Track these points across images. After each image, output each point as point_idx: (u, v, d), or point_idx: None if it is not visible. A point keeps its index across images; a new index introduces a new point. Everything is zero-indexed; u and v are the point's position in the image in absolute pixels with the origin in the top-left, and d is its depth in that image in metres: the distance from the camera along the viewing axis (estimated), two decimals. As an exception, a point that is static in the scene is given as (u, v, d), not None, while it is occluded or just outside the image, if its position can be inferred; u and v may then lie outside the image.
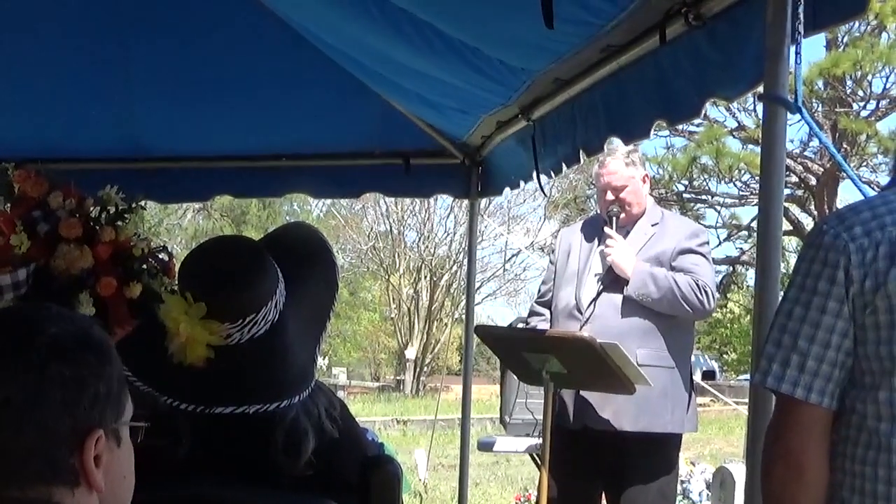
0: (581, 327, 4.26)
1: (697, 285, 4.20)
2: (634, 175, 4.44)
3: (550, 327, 4.48)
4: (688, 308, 4.21)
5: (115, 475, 1.40)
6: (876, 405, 1.77)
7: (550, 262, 4.79)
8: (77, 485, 1.35)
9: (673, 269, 4.27)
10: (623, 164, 4.42)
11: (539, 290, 4.79)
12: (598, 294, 4.34)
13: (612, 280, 4.31)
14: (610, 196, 4.42)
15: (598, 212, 4.67)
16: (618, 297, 4.29)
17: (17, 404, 1.31)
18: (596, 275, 4.38)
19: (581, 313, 4.34)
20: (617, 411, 4.21)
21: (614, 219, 4.39)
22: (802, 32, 2.33)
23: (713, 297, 4.27)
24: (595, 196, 4.86)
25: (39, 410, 1.32)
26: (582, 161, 4.03)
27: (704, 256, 4.38)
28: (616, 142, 3.83)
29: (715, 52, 2.72)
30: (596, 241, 4.48)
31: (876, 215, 1.80)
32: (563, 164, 4.07)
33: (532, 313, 4.71)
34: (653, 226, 4.44)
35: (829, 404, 1.80)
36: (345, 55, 4.23)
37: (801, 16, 2.31)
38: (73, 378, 1.34)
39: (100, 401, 1.37)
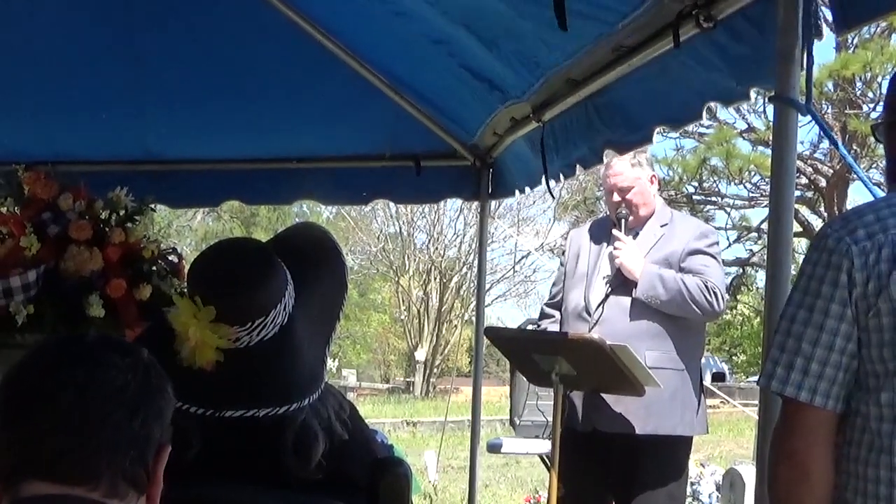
0: (590, 330, 4.24)
1: (706, 287, 4.18)
2: (641, 176, 4.42)
3: (560, 329, 4.47)
4: (697, 310, 4.20)
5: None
6: (878, 407, 1.78)
7: (561, 263, 4.78)
8: (142, 494, 1.43)
9: (682, 270, 4.25)
10: (629, 166, 4.40)
11: (550, 292, 4.78)
12: (606, 296, 4.33)
13: (621, 283, 4.30)
14: (616, 198, 4.41)
15: (608, 213, 4.66)
16: (626, 300, 4.28)
17: (133, 391, 1.42)
18: (604, 277, 4.37)
19: (590, 315, 4.33)
20: (626, 414, 4.20)
21: (623, 221, 4.38)
22: (820, 34, 2.33)
23: (723, 298, 4.25)
24: (604, 198, 4.83)
25: (147, 406, 1.43)
26: (603, 161, 4.01)
27: (714, 257, 4.36)
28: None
29: (741, 47, 2.70)
30: (604, 243, 4.46)
31: (879, 218, 1.80)
32: (579, 166, 4.03)
33: (543, 315, 4.70)
34: (662, 226, 4.42)
35: (834, 406, 1.80)
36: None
37: (824, 14, 2.30)
38: (163, 396, 1.48)
39: (170, 421, 1.49)
